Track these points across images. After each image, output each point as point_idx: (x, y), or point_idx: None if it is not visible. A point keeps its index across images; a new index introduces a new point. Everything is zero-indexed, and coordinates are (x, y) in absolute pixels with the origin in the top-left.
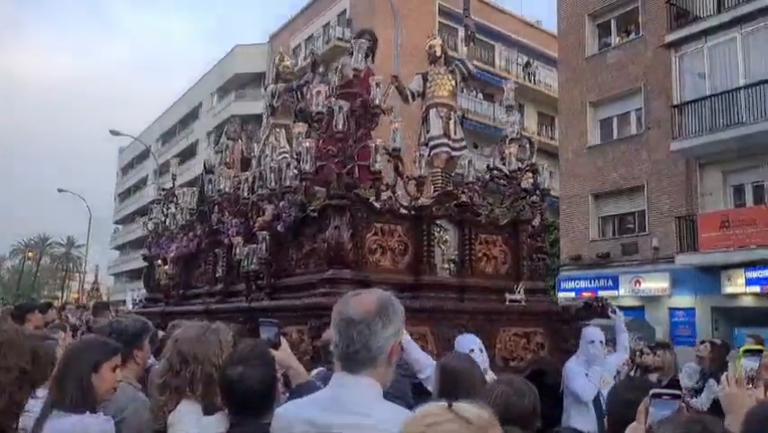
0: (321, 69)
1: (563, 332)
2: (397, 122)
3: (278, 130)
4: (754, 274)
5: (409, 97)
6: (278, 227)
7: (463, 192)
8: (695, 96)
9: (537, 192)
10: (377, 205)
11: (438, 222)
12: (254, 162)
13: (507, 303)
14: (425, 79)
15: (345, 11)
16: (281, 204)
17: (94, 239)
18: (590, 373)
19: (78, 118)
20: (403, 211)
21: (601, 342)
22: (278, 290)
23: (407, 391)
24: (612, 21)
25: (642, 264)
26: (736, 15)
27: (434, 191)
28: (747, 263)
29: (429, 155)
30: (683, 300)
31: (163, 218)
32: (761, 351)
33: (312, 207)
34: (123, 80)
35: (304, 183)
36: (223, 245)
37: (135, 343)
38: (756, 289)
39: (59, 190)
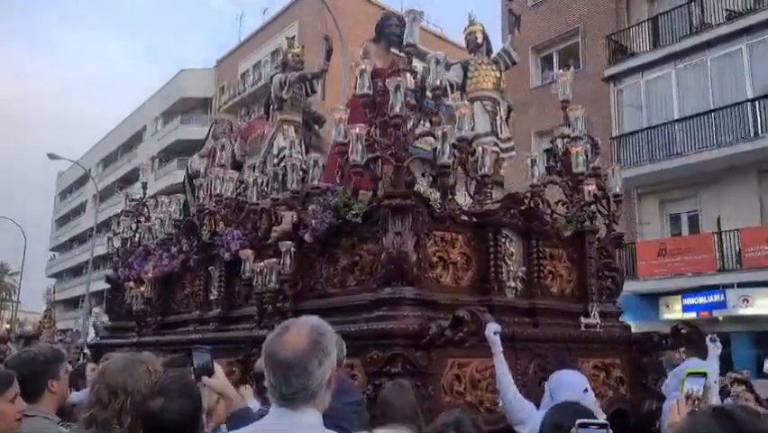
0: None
1: (644, 364)
2: (465, 106)
3: (286, 127)
4: (690, 301)
5: (448, 89)
6: (306, 237)
7: (525, 197)
8: (633, 128)
9: (605, 199)
10: (437, 208)
11: (504, 232)
12: (256, 164)
13: (583, 328)
14: (465, 70)
15: (294, 38)
16: (310, 208)
17: (28, 267)
18: None
19: (13, 140)
20: (464, 218)
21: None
22: (305, 313)
23: (353, 421)
24: (554, 54)
25: None
26: (671, 52)
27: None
28: (684, 290)
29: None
30: None
31: (133, 233)
32: (704, 374)
33: (354, 211)
34: (61, 102)
35: (354, 179)
36: (219, 261)
37: (48, 372)
38: (693, 315)
39: None
